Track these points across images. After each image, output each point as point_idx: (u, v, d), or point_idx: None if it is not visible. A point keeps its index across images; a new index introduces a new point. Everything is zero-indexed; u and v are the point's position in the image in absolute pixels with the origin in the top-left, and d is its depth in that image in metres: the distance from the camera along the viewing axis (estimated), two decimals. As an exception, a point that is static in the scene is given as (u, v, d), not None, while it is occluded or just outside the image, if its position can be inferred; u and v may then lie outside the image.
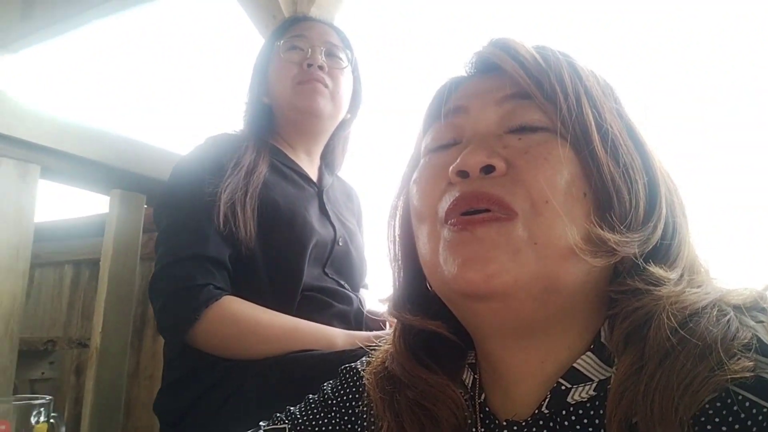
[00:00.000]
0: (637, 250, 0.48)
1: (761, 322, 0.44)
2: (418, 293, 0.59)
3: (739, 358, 0.40)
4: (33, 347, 1.51)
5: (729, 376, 0.39)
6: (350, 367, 0.67)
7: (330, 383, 0.67)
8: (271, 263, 1.12)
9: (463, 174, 0.50)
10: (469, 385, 0.57)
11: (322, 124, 1.29)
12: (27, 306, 2.33)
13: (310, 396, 0.67)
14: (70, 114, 1.25)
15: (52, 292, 2.34)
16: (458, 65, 0.60)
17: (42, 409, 0.75)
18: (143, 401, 1.95)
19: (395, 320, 0.60)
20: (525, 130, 0.51)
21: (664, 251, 0.50)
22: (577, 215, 0.48)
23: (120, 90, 2.71)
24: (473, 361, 0.58)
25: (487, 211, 0.48)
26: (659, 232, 0.50)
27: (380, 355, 0.62)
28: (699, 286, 0.48)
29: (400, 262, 0.60)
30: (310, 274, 1.15)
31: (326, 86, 1.25)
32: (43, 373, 1.63)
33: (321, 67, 1.25)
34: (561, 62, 0.53)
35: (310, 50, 1.26)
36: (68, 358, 2.09)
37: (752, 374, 0.39)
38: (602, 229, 0.47)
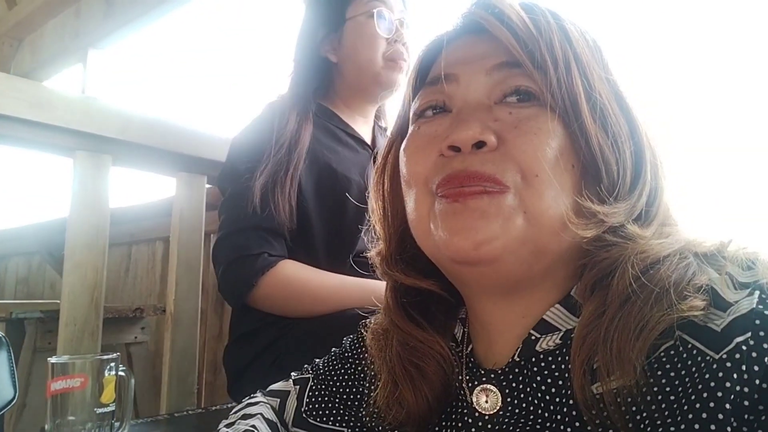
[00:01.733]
0: (623, 219, 0.49)
1: (722, 273, 0.45)
2: (408, 251, 0.60)
3: (690, 299, 0.42)
4: (123, 314, 1.72)
5: (676, 315, 0.41)
6: (366, 322, 0.70)
7: (350, 337, 0.72)
8: (326, 226, 1.18)
9: (455, 149, 0.50)
10: (459, 338, 0.59)
11: (393, 96, 1.31)
12: (126, 279, 2.63)
13: (333, 349, 0.73)
14: (137, 107, 1.40)
15: (146, 266, 2.60)
16: (445, 20, 0.58)
17: (112, 364, 0.89)
18: (227, 361, 2.15)
19: (387, 277, 0.62)
20: (517, 96, 0.51)
21: (644, 215, 0.51)
22: (566, 186, 0.49)
23: (183, 76, 2.90)
24: (464, 316, 0.60)
25: (479, 186, 0.49)
26: (644, 199, 0.51)
27: (381, 312, 0.65)
28: (667, 237, 0.49)
29: (390, 219, 0.61)
30: (362, 238, 1.19)
31: (405, 62, 1.27)
32: (135, 337, 1.85)
33: (404, 44, 1.27)
34: (552, 26, 0.52)
35: (396, 24, 1.26)
36: (162, 324, 2.33)
37: (701, 312, 0.41)
38: (592, 202, 0.48)
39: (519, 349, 0.52)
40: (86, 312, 1.22)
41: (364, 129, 1.32)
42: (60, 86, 3.26)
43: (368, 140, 1.32)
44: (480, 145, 0.49)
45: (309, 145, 1.18)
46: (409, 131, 0.57)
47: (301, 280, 1.12)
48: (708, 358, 0.40)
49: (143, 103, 2.91)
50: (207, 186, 1.53)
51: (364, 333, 0.68)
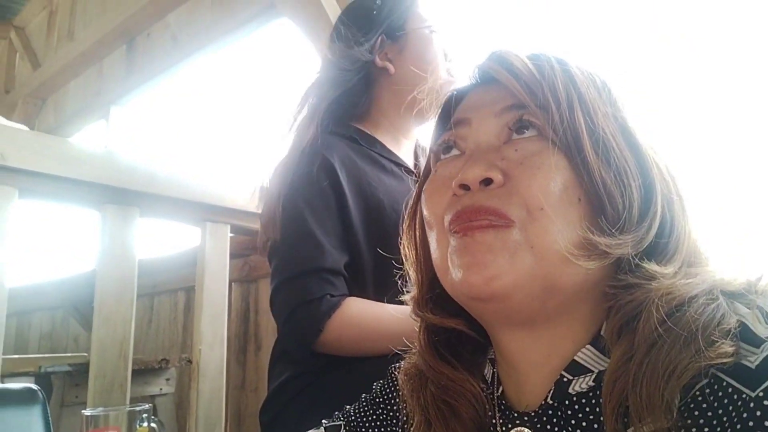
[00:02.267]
0: (630, 251, 0.49)
1: (753, 308, 0.45)
2: (438, 293, 0.61)
3: (719, 345, 0.42)
4: (149, 366, 1.72)
5: (704, 363, 0.41)
6: (396, 365, 0.71)
7: (380, 382, 0.73)
8: (374, 258, 1.14)
9: (464, 187, 0.53)
10: (489, 379, 0.60)
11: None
12: (149, 330, 2.63)
13: (364, 395, 0.73)
14: (162, 160, 1.44)
15: (169, 317, 2.61)
16: (464, 75, 0.63)
17: (144, 415, 0.89)
18: (251, 411, 2.13)
19: (419, 320, 0.64)
20: (521, 141, 0.54)
21: (661, 248, 0.52)
22: (573, 220, 0.50)
23: (203, 126, 2.97)
24: (492, 356, 0.61)
25: (486, 220, 0.51)
26: (654, 231, 0.51)
27: (413, 354, 0.66)
28: (694, 277, 0.49)
29: (422, 264, 0.63)
30: None
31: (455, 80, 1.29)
32: (161, 389, 1.84)
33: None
34: (555, 71, 0.55)
35: (447, 49, 1.27)
36: (186, 374, 2.32)
37: (731, 359, 0.41)
38: (593, 234, 0.49)
39: (552, 392, 0.52)
40: (115, 364, 1.23)
41: (407, 150, 1.30)
42: (84, 142, 3.34)
43: (411, 162, 1.30)
44: (488, 182, 0.52)
45: (354, 176, 1.16)
46: (430, 175, 0.61)
47: (369, 317, 1.08)
48: (744, 396, 0.40)
49: (166, 155, 2.99)
50: (230, 235, 1.55)
51: (396, 374, 0.69)
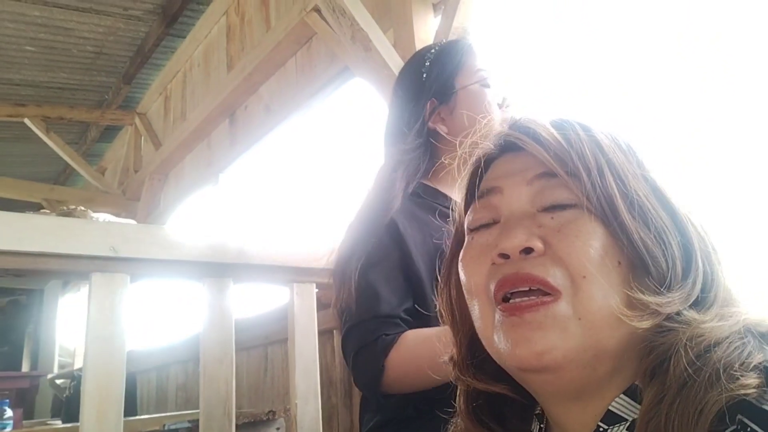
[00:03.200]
0: (680, 307, 0.51)
1: None
2: (479, 356, 0.62)
3: (742, 379, 0.43)
4: (258, 418, 1.87)
5: (726, 395, 0.43)
6: (452, 421, 0.72)
7: None
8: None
9: (504, 256, 0.54)
10: None
11: None
12: (266, 378, 2.83)
13: None
14: (251, 231, 1.60)
15: (281, 365, 2.79)
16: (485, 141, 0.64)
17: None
18: (361, 455, 2.22)
19: (460, 383, 0.64)
20: (556, 208, 0.55)
21: (703, 301, 0.53)
22: (615, 283, 0.51)
23: (296, 185, 3.19)
24: (540, 411, 0.62)
25: (530, 291, 0.52)
26: (699, 286, 0.53)
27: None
28: (727, 319, 0.50)
29: (459, 325, 0.65)
30: None
31: None
32: (272, 438, 1.99)
33: (508, 107, 1.31)
34: (582, 139, 0.56)
35: (502, 90, 1.30)
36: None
37: (754, 391, 0.43)
38: (643, 294, 0.50)
39: None
40: (221, 423, 1.37)
41: None
42: (180, 227, 3.69)
43: None
44: (528, 251, 0.53)
45: (417, 227, 1.22)
46: (465, 243, 0.62)
47: (424, 344, 1.09)
48: None
49: (259, 222, 3.24)
50: (315, 290, 1.68)
51: None
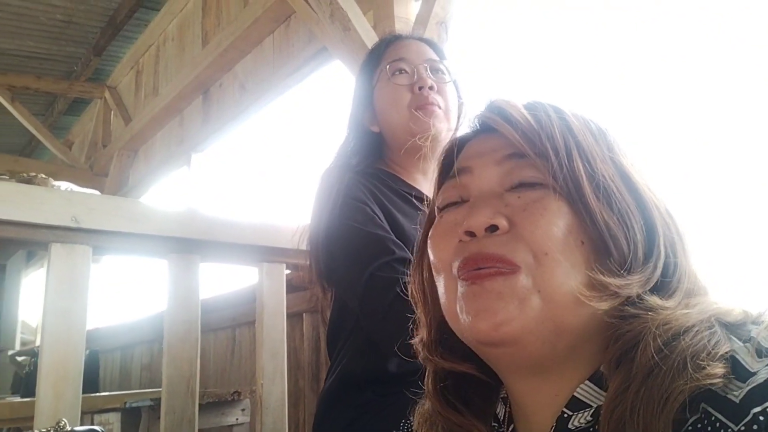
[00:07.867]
0: (639, 290, 0.51)
1: (747, 340, 0.46)
2: (447, 336, 0.62)
3: (708, 368, 0.43)
4: (223, 398, 1.84)
5: (692, 384, 0.43)
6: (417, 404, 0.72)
7: (407, 422, 0.73)
8: None
9: (470, 233, 0.55)
10: (501, 417, 0.61)
11: (440, 145, 1.23)
12: (233, 360, 2.80)
13: None
14: (219, 209, 1.56)
15: (249, 347, 2.76)
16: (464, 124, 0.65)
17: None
18: (325, 439, 2.21)
19: (428, 363, 0.64)
20: (523, 187, 0.56)
21: (664, 286, 0.53)
22: (577, 263, 0.52)
23: (270, 165, 3.14)
24: (505, 395, 0.62)
25: (494, 268, 0.52)
26: (659, 271, 0.53)
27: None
28: (693, 307, 0.50)
29: (430, 305, 0.64)
30: None
31: (440, 107, 1.25)
32: (237, 419, 1.97)
33: (431, 88, 1.26)
34: (552, 120, 0.57)
35: (416, 72, 1.27)
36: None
37: (719, 380, 0.43)
38: (603, 275, 0.51)
39: (553, 428, 0.53)
40: (183, 401, 1.34)
41: (426, 187, 1.32)
42: (147, 201, 3.63)
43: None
44: (493, 228, 0.54)
45: (383, 205, 1.21)
46: (435, 221, 0.63)
47: None
48: (729, 430, 0.41)
49: (237, 196, 3.19)
50: (286, 272, 1.65)
51: (411, 419, 0.70)
